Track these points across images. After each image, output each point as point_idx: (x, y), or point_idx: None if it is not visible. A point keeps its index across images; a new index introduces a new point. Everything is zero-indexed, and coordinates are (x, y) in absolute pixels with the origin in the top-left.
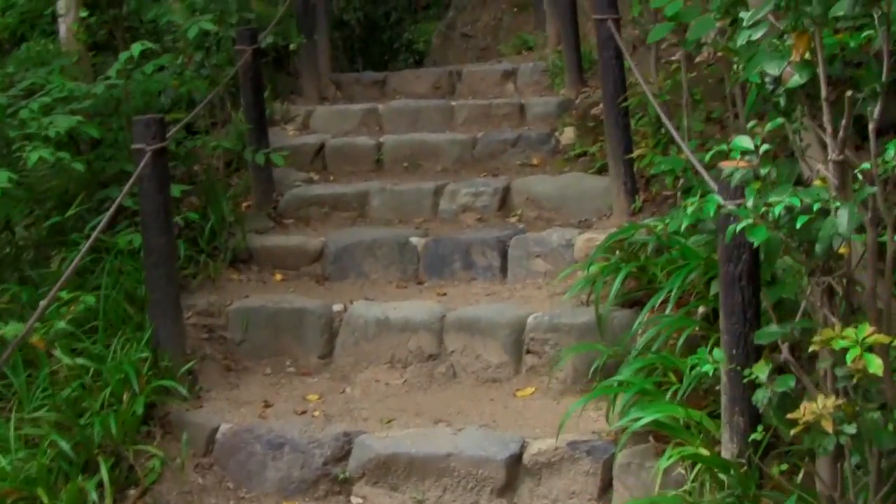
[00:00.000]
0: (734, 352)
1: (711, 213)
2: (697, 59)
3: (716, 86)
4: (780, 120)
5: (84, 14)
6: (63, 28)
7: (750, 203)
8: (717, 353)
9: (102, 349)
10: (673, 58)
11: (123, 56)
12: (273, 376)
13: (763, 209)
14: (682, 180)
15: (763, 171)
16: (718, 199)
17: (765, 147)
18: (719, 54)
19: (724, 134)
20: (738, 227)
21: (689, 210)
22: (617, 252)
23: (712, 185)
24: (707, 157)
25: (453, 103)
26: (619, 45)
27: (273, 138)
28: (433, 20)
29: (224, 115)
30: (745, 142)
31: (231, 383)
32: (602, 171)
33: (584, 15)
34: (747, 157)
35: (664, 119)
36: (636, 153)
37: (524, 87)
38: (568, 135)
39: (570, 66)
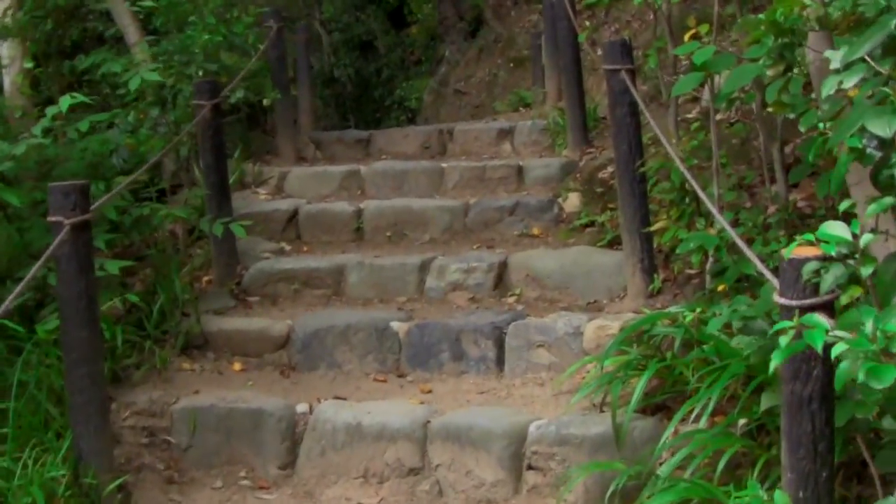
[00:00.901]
0: (802, 494)
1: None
2: (718, 117)
3: (739, 147)
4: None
5: (29, 65)
6: (7, 80)
7: (868, 328)
8: (780, 496)
9: (11, 463)
10: (689, 115)
11: (51, 111)
12: (224, 490)
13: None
14: (711, 259)
15: (865, 272)
16: (781, 300)
17: (867, 238)
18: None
19: (755, 202)
20: (834, 353)
21: (742, 309)
22: (635, 345)
23: (773, 280)
24: (788, 250)
25: (443, 165)
26: (635, 99)
27: (242, 203)
28: (425, 76)
29: (190, 177)
30: (838, 230)
31: (173, 501)
32: (613, 244)
33: (586, 69)
34: (838, 249)
35: (696, 188)
36: (656, 226)
37: (522, 148)
38: (572, 201)
39: (573, 125)
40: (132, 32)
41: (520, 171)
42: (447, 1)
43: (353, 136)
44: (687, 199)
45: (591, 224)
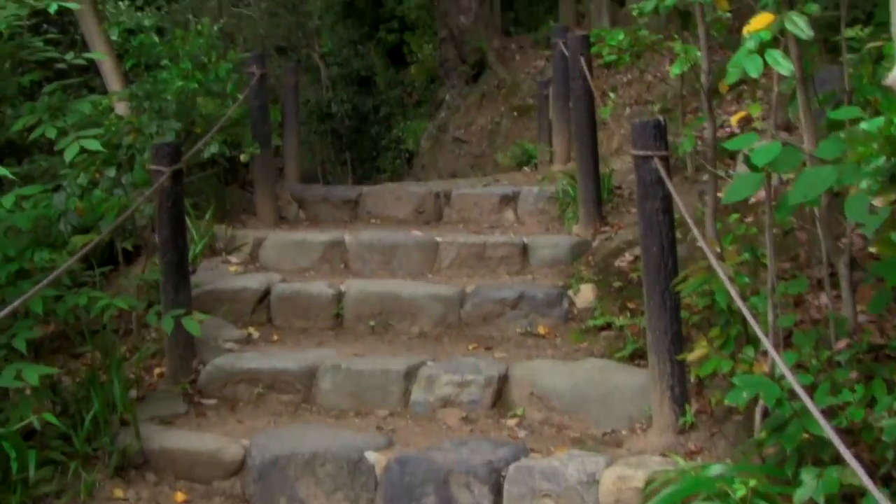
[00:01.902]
0: None
1: None
2: (752, 201)
3: (781, 238)
4: None
5: None
6: None
7: None
8: None
9: None
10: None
11: None
12: None
13: None
14: (762, 404)
15: None
16: None
17: None
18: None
19: (806, 314)
20: None
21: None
22: None
23: (852, 463)
24: None
25: (438, 239)
26: (669, 191)
27: (208, 276)
28: (424, 118)
29: (154, 238)
30: None
31: None
32: (635, 357)
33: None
34: None
35: (750, 320)
36: (694, 355)
37: (527, 217)
38: (585, 295)
39: (586, 197)
40: (113, 81)
41: (524, 249)
42: (449, 42)
43: (340, 196)
44: (731, 320)
45: (608, 326)
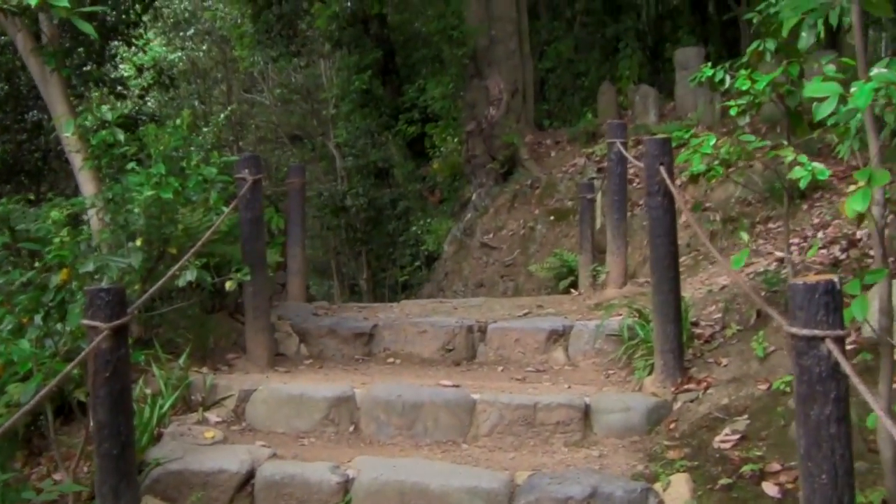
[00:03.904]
0: None
1: None
2: None
3: None
4: None
5: None
6: None
7: None
8: None
9: None
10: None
11: None
12: None
13: None
14: None
15: None
16: None
17: None
18: None
19: None
20: None
21: None
22: None
23: None
24: None
25: (475, 397)
26: (845, 390)
27: (174, 447)
28: (446, 217)
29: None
30: None
31: None
32: None
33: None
34: None
35: None
36: None
37: (581, 359)
38: (678, 490)
39: (664, 344)
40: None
41: (586, 413)
42: (476, 135)
43: (351, 328)
44: None
45: None
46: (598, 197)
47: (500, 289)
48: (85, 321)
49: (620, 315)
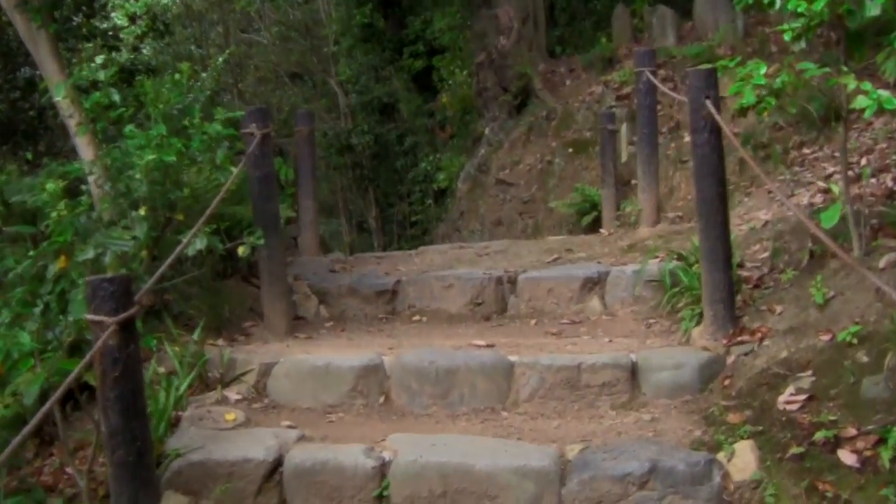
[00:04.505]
0: None
1: None
2: None
3: None
4: None
5: None
6: None
7: None
8: None
9: None
10: None
11: None
12: None
13: None
14: None
15: None
16: None
17: None
18: None
19: None
20: None
21: None
22: None
23: None
24: None
25: (513, 359)
26: None
27: (195, 434)
28: (458, 153)
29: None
30: None
31: None
32: None
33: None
34: None
35: None
36: None
37: (619, 308)
38: (743, 460)
39: (713, 294)
40: (84, 147)
41: (633, 371)
42: (487, 67)
43: (372, 286)
44: None
45: None
46: (623, 129)
47: (519, 227)
48: (89, 316)
49: (658, 258)
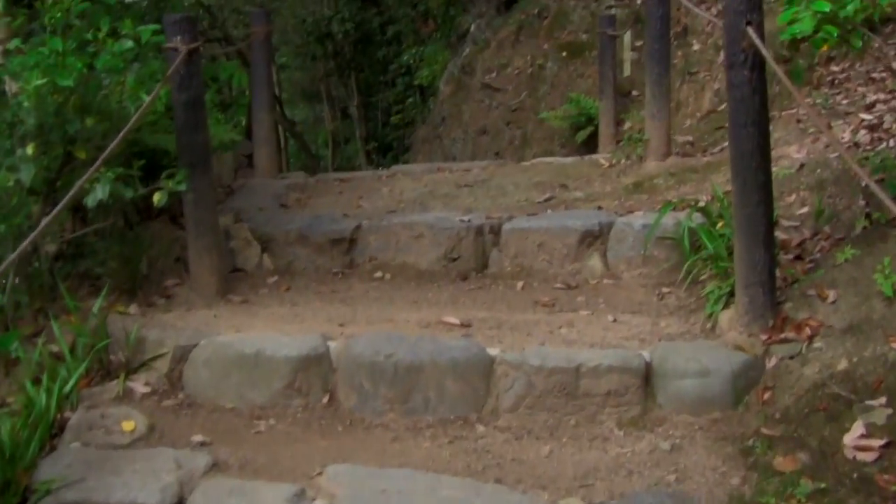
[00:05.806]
0: None
1: None
2: None
3: None
4: None
5: None
6: None
7: None
8: None
9: None
10: None
11: None
12: None
13: None
14: None
15: None
16: None
17: None
18: None
19: None
20: None
21: None
22: None
23: None
24: None
25: (493, 353)
26: None
27: (79, 449)
28: (442, 48)
29: None
30: None
31: None
32: None
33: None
34: None
35: None
36: None
37: (624, 269)
38: None
39: (750, 275)
40: None
41: (646, 375)
42: None
43: (326, 232)
44: None
45: None
46: (627, 37)
47: (506, 138)
48: None
49: (664, 200)
